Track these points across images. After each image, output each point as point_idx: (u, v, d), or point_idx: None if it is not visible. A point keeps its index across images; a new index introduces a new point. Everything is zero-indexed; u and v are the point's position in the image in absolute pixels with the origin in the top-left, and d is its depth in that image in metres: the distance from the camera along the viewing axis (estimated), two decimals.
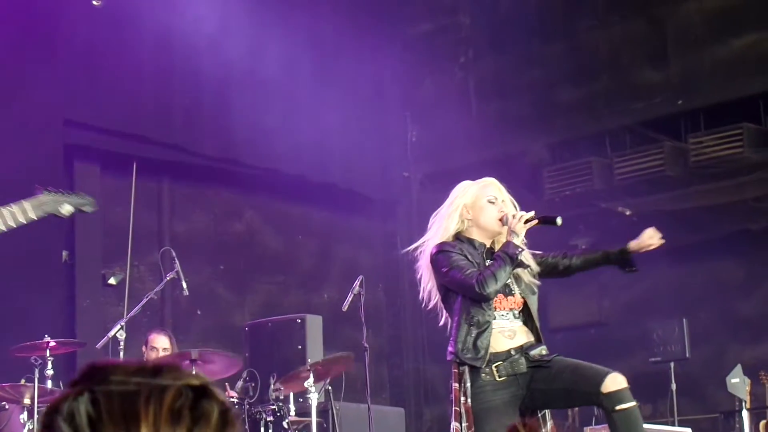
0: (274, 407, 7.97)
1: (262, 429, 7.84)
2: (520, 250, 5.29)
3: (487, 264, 5.34)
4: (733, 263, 11.93)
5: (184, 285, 8.54)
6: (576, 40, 11.71)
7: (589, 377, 5.19)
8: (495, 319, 5.31)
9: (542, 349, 5.36)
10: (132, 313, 8.50)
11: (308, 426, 7.95)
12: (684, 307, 11.51)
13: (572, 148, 11.73)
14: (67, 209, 5.45)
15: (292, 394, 8.30)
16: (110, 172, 10.34)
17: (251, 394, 8.31)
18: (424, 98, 12.58)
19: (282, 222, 11.78)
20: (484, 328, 5.27)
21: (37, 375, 7.17)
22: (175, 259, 8.69)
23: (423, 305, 5.60)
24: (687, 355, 10.59)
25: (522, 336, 5.37)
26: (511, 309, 5.37)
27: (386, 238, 12.60)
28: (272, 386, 8.10)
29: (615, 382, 5.12)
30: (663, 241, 5.51)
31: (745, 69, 10.62)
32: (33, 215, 5.35)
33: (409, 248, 5.67)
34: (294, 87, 11.16)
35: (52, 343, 7.32)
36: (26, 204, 5.35)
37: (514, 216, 5.36)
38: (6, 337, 8.15)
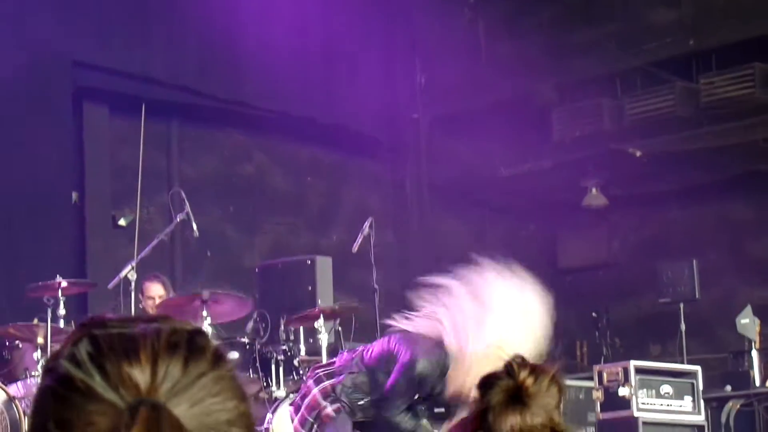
0: (284, 347, 8.02)
1: (273, 368, 7.90)
2: None
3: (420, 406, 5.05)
4: (743, 204, 11.91)
5: (194, 226, 8.57)
6: None
7: None
8: None
9: None
10: (142, 255, 8.53)
11: None
12: (694, 248, 11.50)
13: (582, 88, 11.67)
14: None
15: (302, 335, 8.36)
16: (119, 113, 10.32)
17: (262, 334, 8.36)
18: (434, 40, 12.50)
19: (291, 164, 11.77)
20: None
21: (49, 314, 7.24)
22: (185, 200, 8.70)
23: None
24: (697, 296, 10.57)
25: None
26: None
27: (395, 180, 12.59)
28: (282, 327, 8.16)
29: None
30: None
31: (758, 9, 10.52)
32: None
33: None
34: (303, 29, 11.11)
35: (64, 284, 7.39)
36: None
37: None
38: (18, 278, 8.21)
